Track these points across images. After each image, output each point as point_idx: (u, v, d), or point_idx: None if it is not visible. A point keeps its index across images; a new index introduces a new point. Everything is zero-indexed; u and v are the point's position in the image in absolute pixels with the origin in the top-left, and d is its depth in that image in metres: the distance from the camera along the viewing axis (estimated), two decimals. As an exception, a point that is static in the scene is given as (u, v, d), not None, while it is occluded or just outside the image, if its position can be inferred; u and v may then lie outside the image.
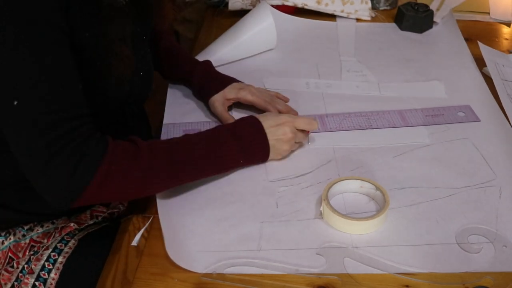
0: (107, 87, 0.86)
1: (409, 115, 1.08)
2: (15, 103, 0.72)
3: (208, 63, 1.13)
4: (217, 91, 1.06)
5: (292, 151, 0.98)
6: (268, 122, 0.93)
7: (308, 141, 1.00)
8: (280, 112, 1.04)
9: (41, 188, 0.77)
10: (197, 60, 1.15)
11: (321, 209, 0.85)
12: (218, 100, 1.06)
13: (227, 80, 1.09)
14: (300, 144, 0.99)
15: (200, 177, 0.89)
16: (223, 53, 1.24)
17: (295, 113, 1.06)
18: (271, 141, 0.92)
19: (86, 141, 0.76)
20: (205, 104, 1.10)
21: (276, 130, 0.92)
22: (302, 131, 0.96)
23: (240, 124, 0.93)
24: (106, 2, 0.81)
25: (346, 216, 0.83)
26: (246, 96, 1.05)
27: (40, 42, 0.72)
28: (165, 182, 0.85)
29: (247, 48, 1.26)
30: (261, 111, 1.05)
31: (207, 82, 1.09)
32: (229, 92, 1.06)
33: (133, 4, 0.88)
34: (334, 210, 0.83)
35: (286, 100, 1.10)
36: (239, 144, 0.90)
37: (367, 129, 1.04)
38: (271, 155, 0.94)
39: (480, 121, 1.07)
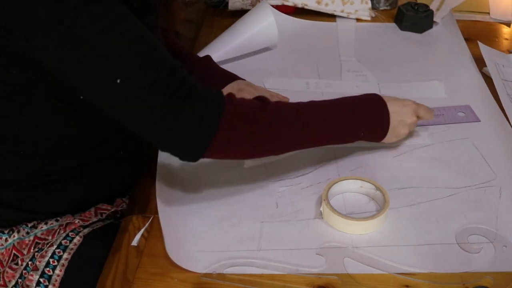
0: None
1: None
2: (118, 81, 0.72)
3: (208, 58, 1.13)
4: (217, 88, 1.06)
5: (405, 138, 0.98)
6: (393, 102, 0.93)
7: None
8: None
9: (172, 147, 0.79)
10: (197, 57, 1.14)
11: (321, 209, 0.85)
12: None
13: (228, 77, 1.09)
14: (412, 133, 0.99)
15: (321, 143, 0.90)
16: (224, 51, 1.24)
17: None
18: (394, 122, 0.92)
19: (198, 89, 0.78)
20: None
21: (401, 110, 0.93)
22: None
23: (365, 97, 0.93)
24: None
25: (346, 216, 0.83)
26: (246, 97, 1.05)
27: (122, 17, 0.73)
28: (291, 137, 0.85)
29: (249, 45, 1.26)
30: None
31: (207, 79, 1.09)
32: (229, 91, 1.06)
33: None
34: (334, 210, 0.83)
35: (286, 100, 1.10)
36: (364, 115, 0.90)
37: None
38: (388, 136, 0.93)
39: (480, 121, 1.07)
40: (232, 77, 1.09)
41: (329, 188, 0.87)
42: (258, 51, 1.29)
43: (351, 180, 0.89)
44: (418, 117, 0.96)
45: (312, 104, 0.89)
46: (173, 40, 1.15)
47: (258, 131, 0.82)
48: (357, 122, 0.90)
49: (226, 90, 1.05)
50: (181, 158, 0.81)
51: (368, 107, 0.91)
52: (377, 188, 0.87)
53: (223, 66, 1.13)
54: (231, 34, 1.26)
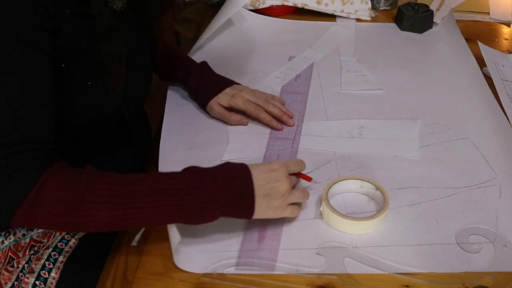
0: (102, 95, 0.86)
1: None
2: None
3: (203, 64, 1.13)
4: (211, 97, 1.06)
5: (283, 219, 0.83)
6: (257, 170, 0.79)
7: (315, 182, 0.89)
8: (273, 115, 1.05)
9: None
10: (193, 63, 1.14)
11: (321, 209, 0.85)
12: (214, 104, 1.06)
13: (224, 83, 1.09)
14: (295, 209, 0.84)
15: (156, 224, 0.80)
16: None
17: (290, 115, 1.06)
18: (263, 192, 0.77)
19: (19, 169, 0.71)
20: (203, 109, 1.10)
21: (267, 175, 0.78)
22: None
23: (223, 170, 0.78)
24: (103, 22, 0.81)
25: (346, 216, 0.83)
26: (238, 103, 1.05)
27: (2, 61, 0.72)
28: (101, 221, 0.73)
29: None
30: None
31: (201, 88, 1.09)
32: (223, 99, 1.06)
33: (132, 21, 0.88)
34: (334, 210, 0.83)
35: (282, 102, 1.09)
36: (218, 192, 0.76)
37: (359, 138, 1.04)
38: (260, 211, 0.78)
39: (480, 121, 1.07)
40: (228, 82, 1.09)
41: (329, 188, 0.87)
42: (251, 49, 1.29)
43: (351, 180, 0.89)
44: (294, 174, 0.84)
45: (139, 179, 0.75)
46: (169, 45, 1.15)
47: (63, 210, 0.72)
48: (206, 201, 0.75)
49: (220, 98, 1.06)
50: None
51: (223, 178, 0.76)
52: (377, 188, 0.87)
53: (218, 69, 1.13)
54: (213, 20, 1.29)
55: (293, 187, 0.84)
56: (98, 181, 0.73)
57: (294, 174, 0.85)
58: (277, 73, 1.22)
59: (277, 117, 1.05)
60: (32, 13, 0.74)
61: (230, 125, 1.06)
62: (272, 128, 1.05)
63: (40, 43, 0.75)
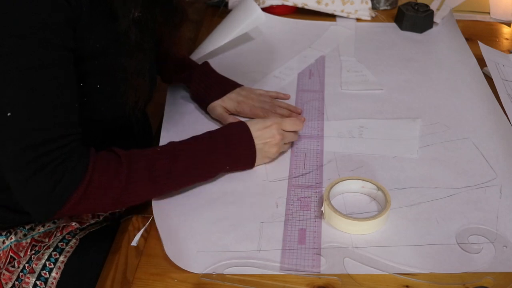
0: (112, 99, 0.88)
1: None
2: (8, 114, 0.74)
3: (206, 65, 1.13)
4: (215, 99, 1.06)
5: (282, 152, 0.98)
6: (255, 126, 0.93)
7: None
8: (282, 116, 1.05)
9: (22, 201, 0.78)
10: (195, 63, 1.14)
11: (323, 209, 0.85)
12: (217, 106, 1.06)
13: (227, 85, 1.09)
14: (289, 145, 0.99)
15: (185, 186, 0.89)
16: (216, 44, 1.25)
17: (298, 111, 1.07)
18: (259, 145, 0.92)
19: (66, 161, 0.77)
20: (203, 109, 1.10)
21: (263, 133, 0.93)
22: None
23: (227, 129, 0.93)
24: (130, 39, 0.84)
25: (348, 216, 0.82)
26: (245, 110, 1.06)
27: (34, 59, 0.74)
28: (145, 195, 0.85)
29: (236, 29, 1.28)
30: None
31: (204, 89, 1.09)
32: (229, 104, 1.06)
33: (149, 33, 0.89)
34: (335, 210, 0.83)
35: (287, 97, 1.10)
36: (226, 150, 0.90)
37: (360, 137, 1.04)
38: (259, 159, 0.94)
39: (480, 121, 1.06)
40: (231, 85, 1.09)
41: (331, 188, 0.87)
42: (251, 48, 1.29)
43: (352, 180, 0.89)
44: (288, 131, 0.96)
45: (167, 150, 0.88)
46: (170, 48, 1.14)
47: (113, 193, 0.81)
48: (218, 159, 0.90)
49: (226, 102, 1.06)
50: (32, 215, 0.80)
51: (228, 137, 0.91)
52: (379, 188, 0.87)
53: (217, 68, 1.12)
54: (221, 30, 1.27)
55: (291, 145, 0.99)
56: (136, 160, 0.82)
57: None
58: (276, 72, 1.22)
59: (286, 117, 1.05)
60: (58, 12, 0.75)
61: None
62: None
63: (63, 41, 0.77)
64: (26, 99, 0.74)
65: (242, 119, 1.03)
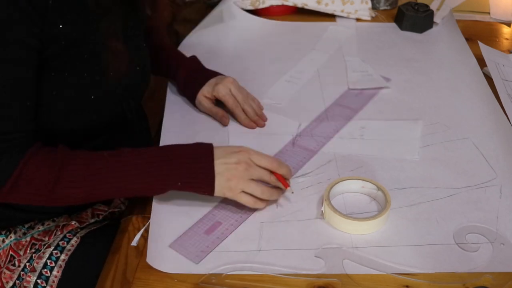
0: (103, 81, 0.86)
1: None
2: None
3: (193, 58, 1.12)
4: (198, 90, 1.06)
5: (256, 209, 0.86)
6: (221, 148, 0.85)
7: (291, 191, 0.88)
8: (247, 114, 1.04)
9: None
10: (183, 56, 1.13)
11: (323, 209, 0.85)
12: (201, 98, 1.06)
13: (208, 77, 1.08)
14: (265, 203, 0.86)
15: (124, 193, 0.86)
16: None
17: (264, 119, 1.06)
18: (219, 167, 0.82)
19: (3, 155, 0.78)
20: (192, 103, 1.09)
21: (228, 156, 0.83)
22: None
23: (189, 144, 0.86)
24: (93, 1, 0.82)
25: (348, 216, 0.82)
26: (220, 92, 1.04)
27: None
28: (75, 195, 0.81)
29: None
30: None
31: (189, 82, 1.09)
32: (207, 90, 1.06)
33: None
34: (336, 210, 0.83)
35: (260, 108, 1.08)
36: (179, 161, 0.83)
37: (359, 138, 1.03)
38: (219, 186, 0.83)
39: (480, 121, 1.06)
40: (210, 76, 1.08)
41: (331, 188, 0.87)
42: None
43: (352, 180, 0.89)
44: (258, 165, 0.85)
45: (111, 153, 0.82)
46: (160, 41, 1.14)
47: (43, 189, 0.79)
48: (171, 172, 0.82)
49: (204, 90, 1.06)
50: None
51: (187, 155, 0.83)
52: (379, 188, 0.87)
53: (219, 66, 1.12)
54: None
55: (271, 185, 0.86)
56: (72, 160, 0.80)
57: (276, 175, 0.85)
58: (286, 77, 1.21)
59: (250, 117, 1.05)
60: (20, 10, 0.75)
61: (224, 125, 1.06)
62: (244, 126, 1.05)
63: (20, 36, 0.76)
64: None
65: (224, 112, 1.04)
